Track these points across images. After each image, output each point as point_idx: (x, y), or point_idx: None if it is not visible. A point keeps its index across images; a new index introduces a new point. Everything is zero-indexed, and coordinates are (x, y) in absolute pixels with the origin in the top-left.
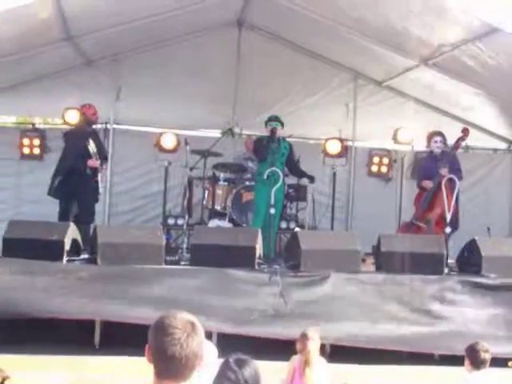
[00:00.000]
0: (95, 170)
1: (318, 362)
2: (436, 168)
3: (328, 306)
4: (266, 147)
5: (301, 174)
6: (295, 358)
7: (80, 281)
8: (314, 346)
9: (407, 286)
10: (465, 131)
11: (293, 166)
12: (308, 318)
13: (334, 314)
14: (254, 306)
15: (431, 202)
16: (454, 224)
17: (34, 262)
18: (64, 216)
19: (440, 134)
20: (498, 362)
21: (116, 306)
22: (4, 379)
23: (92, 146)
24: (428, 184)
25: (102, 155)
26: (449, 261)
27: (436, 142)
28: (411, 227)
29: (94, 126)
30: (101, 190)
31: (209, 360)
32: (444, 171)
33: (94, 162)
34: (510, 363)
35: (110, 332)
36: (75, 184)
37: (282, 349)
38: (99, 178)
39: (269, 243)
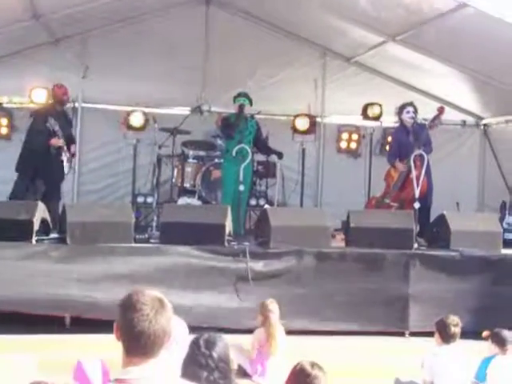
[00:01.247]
0: (59, 149)
1: (279, 331)
2: (408, 141)
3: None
4: (234, 125)
5: (269, 151)
6: (259, 331)
7: (50, 262)
8: (275, 318)
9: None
10: (440, 109)
11: (261, 144)
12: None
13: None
14: (222, 286)
15: (404, 183)
16: (427, 199)
17: (2, 243)
18: (17, 193)
19: (411, 104)
20: (468, 335)
21: (87, 296)
22: None
23: (52, 124)
24: (401, 167)
25: (69, 138)
26: None
27: (408, 112)
28: (382, 205)
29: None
30: (66, 169)
31: (179, 337)
32: (419, 152)
33: (56, 141)
34: (483, 334)
35: None
36: (40, 163)
37: None
38: (64, 157)
39: (238, 220)
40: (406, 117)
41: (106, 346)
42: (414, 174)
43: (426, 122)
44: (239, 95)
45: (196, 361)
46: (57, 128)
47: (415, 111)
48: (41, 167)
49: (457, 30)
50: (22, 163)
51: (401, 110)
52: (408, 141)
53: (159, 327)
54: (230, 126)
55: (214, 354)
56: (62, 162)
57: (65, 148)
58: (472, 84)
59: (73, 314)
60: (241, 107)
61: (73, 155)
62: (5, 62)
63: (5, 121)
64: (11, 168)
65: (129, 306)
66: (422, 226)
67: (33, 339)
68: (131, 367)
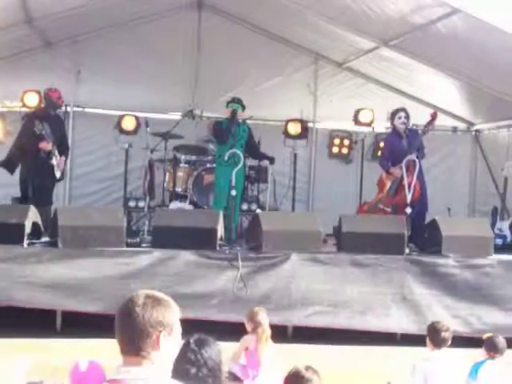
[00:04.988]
0: (49, 153)
1: (269, 338)
2: (401, 147)
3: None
4: (226, 130)
5: (261, 156)
6: (247, 338)
7: (41, 264)
8: (265, 324)
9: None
10: (433, 115)
11: (253, 149)
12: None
13: (295, 295)
14: (214, 290)
15: (397, 188)
16: (421, 204)
17: None
18: (23, 199)
19: (404, 109)
20: (459, 341)
21: (76, 296)
22: None
23: (39, 128)
24: (396, 173)
25: (62, 143)
26: None
27: (400, 117)
28: (376, 210)
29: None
30: (57, 174)
31: None
32: (411, 158)
33: (44, 145)
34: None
35: (71, 315)
36: (29, 166)
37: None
38: (54, 161)
39: (230, 225)
40: (398, 122)
41: (97, 350)
42: (406, 179)
43: (418, 128)
44: (232, 101)
45: (186, 358)
46: (44, 132)
47: (407, 117)
48: (31, 170)
49: (449, 36)
50: (9, 162)
51: (393, 115)
52: (401, 146)
53: (143, 323)
54: (222, 131)
55: (204, 352)
56: (53, 166)
57: (55, 152)
58: (463, 90)
59: (64, 308)
60: (233, 112)
61: (64, 161)
62: None
63: None
64: (3, 171)
65: (121, 305)
66: (417, 231)
67: (24, 343)
68: (126, 367)
